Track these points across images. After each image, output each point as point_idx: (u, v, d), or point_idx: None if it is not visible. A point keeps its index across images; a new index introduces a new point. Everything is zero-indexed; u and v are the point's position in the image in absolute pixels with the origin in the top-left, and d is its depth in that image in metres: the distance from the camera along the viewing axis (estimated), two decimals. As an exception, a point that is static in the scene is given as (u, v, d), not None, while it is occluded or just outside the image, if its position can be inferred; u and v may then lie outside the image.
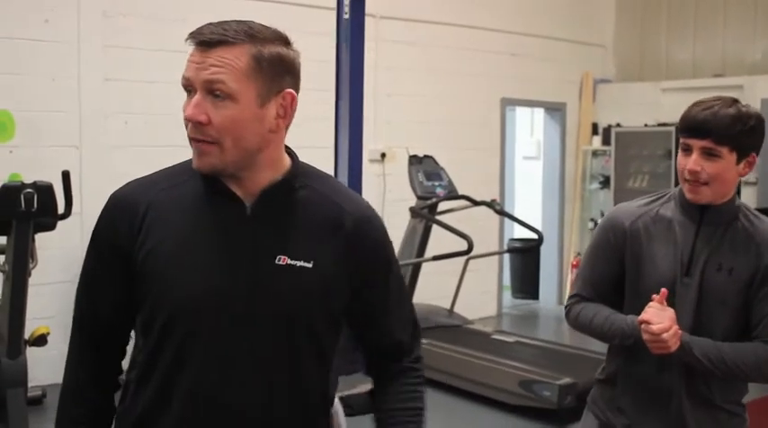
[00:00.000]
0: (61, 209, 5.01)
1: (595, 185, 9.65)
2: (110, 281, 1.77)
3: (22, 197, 4.66)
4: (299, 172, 1.80)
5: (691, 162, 2.29)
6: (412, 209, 6.94)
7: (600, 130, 9.68)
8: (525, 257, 9.46)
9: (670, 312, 2.26)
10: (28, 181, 4.82)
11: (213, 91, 1.64)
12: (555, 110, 9.67)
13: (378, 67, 7.03)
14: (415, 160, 7.06)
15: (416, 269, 7.17)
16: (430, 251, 6.95)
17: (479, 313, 8.28)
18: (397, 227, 7.02)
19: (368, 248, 1.82)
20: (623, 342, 2.41)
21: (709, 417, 2.41)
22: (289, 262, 1.72)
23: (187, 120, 1.65)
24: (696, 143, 2.28)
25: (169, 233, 1.71)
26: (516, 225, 8.32)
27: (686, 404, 2.39)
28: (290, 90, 1.74)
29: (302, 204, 1.77)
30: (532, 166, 10.40)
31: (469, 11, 8.46)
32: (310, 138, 6.95)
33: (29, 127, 5.88)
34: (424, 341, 6.98)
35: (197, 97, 1.64)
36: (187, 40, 1.66)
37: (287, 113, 1.76)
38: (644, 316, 2.27)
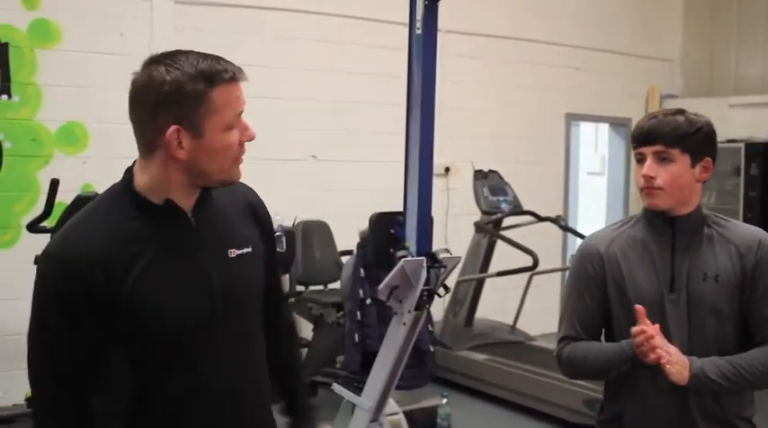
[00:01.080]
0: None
1: (661, 201, 9.51)
2: (90, 332, 1.78)
3: (95, 208, 4.73)
4: None
5: (645, 167, 2.32)
6: (476, 224, 6.93)
7: (666, 146, 9.54)
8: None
9: (655, 326, 2.21)
10: (101, 192, 4.91)
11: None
12: (620, 125, 9.57)
13: (443, 81, 7.00)
14: (480, 175, 7.04)
15: (480, 284, 7.16)
16: (493, 267, 6.93)
17: (541, 329, 8.20)
18: (460, 242, 7.01)
19: (266, 220, 2.07)
20: (621, 368, 2.33)
21: None
22: (237, 252, 1.91)
23: (251, 140, 1.84)
24: (648, 150, 2.33)
25: (144, 266, 1.78)
26: (579, 241, 8.23)
27: (701, 426, 2.33)
28: None
29: (219, 201, 1.93)
30: (597, 182, 10.31)
31: (534, 25, 8.43)
32: (379, 151, 7.03)
33: (101, 138, 6.00)
34: (486, 357, 6.92)
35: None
36: (228, 79, 1.77)
37: None
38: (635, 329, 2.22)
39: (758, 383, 2.28)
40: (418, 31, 4.01)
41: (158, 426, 1.85)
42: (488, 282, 7.13)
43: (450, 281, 5.92)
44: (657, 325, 2.22)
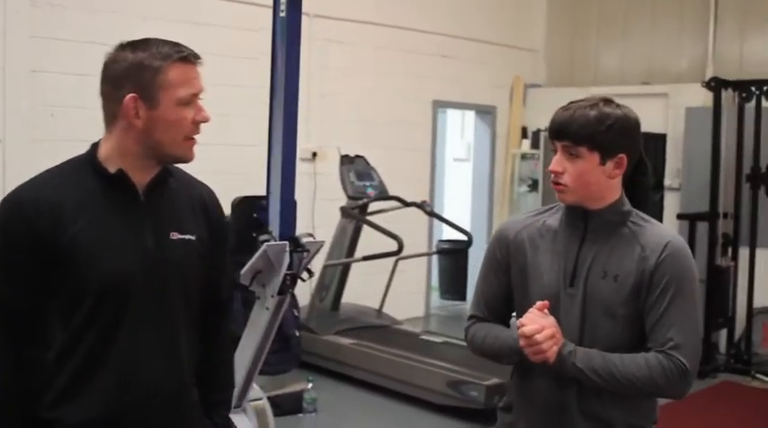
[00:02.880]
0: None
1: (524, 188, 9.77)
2: (30, 271, 1.94)
3: (-58, 189, 4.51)
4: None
5: (552, 162, 2.26)
6: (342, 209, 6.93)
7: (529, 134, 9.80)
8: (453, 258, 9.52)
9: (550, 318, 2.17)
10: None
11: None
12: (486, 113, 9.76)
13: (310, 66, 7.00)
14: (346, 160, 7.06)
15: (346, 269, 7.18)
16: (359, 251, 6.96)
17: (407, 313, 8.31)
18: (327, 227, 7.02)
19: (218, 226, 2.22)
20: (511, 358, 2.33)
21: None
22: (179, 236, 2.06)
23: (205, 121, 2.04)
24: (558, 144, 2.26)
25: (87, 221, 1.95)
26: (445, 226, 8.37)
27: (580, 426, 2.25)
28: None
29: (175, 189, 2.11)
30: (462, 168, 10.49)
31: (403, 12, 8.49)
32: (242, 135, 6.95)
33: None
34: (352, 341, 6.96)
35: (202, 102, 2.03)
36: (176, 59, 1.99)
37: None
38: (521, 321, 2.17)
39: (630, 388, 2.18)
40: (282, 14, 3.98)
41: (76, 371, 1.95)
42: (355, 267, 7.17)
43: (317, 266, 5.94)
44: (553, 319, 2.18)
